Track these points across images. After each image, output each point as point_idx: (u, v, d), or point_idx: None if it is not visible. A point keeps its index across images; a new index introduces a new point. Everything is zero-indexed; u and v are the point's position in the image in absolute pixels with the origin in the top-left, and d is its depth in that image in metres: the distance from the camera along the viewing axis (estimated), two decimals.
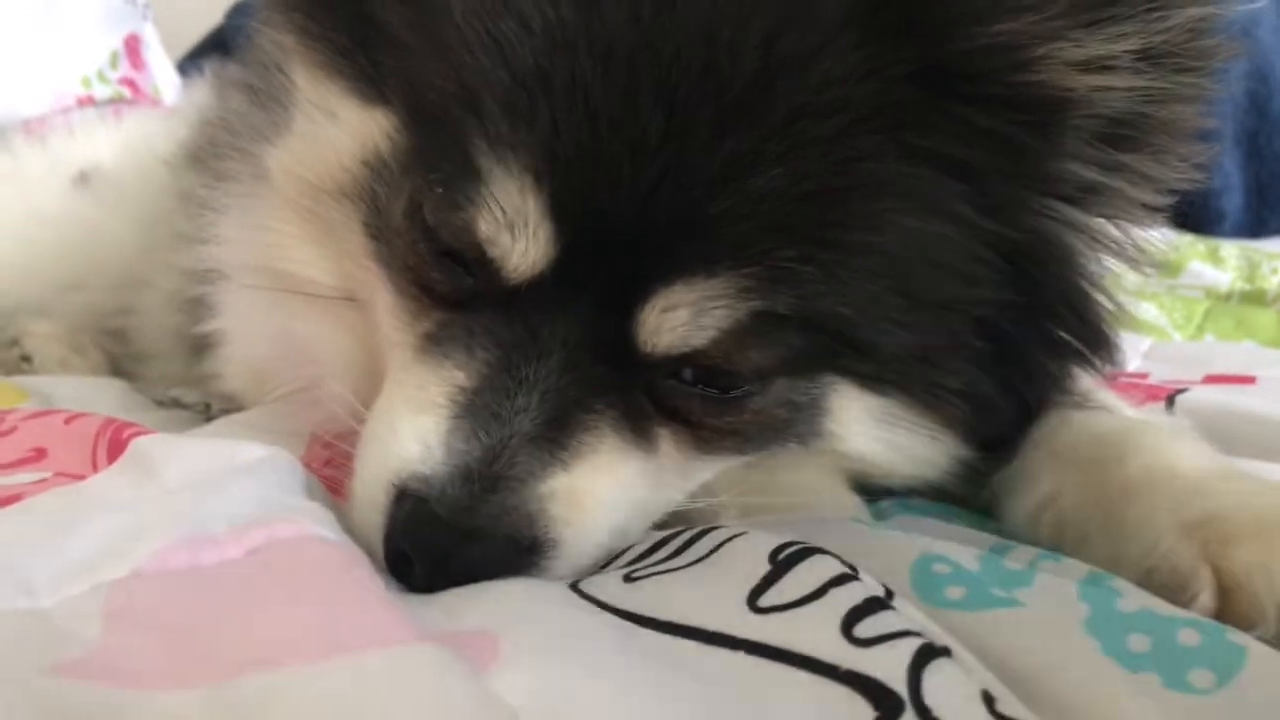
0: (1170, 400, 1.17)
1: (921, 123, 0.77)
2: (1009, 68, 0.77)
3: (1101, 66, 0.77)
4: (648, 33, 0.75)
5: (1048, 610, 0.68)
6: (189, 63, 2.79)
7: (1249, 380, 1.32)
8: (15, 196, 1.62)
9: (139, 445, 0.79)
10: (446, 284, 0.82)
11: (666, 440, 0.83)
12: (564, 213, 0.76)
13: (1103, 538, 0.80)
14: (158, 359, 1.53)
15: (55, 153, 1.69)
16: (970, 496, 0.94)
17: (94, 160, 1.65)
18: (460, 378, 0.79)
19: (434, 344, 0.82)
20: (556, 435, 0.77)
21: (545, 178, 0.75)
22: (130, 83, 2.60)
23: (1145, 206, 0.86)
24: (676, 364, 0.80)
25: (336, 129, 0.88)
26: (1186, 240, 2.03)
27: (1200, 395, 1.19)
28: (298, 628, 0.56)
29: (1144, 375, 1.39)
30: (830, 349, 0.81)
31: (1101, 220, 0.85)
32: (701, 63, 0.75)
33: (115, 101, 2.52)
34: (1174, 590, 0.73)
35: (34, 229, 1.59)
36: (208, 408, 1.31)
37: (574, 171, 0.75)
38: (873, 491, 0.93)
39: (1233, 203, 2.46)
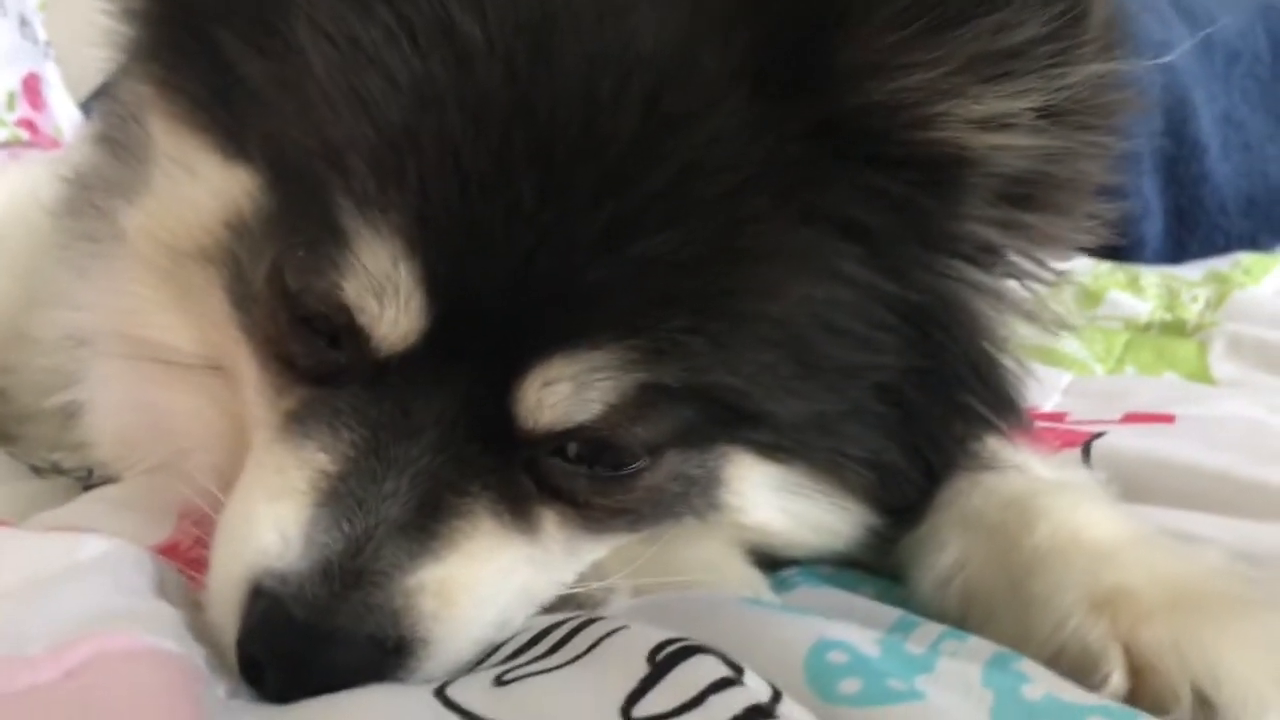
0: (1086, 447, 1.14)
1: (815, 182, 0.74)
2: (905, 125, 0.74)
3: (1001, 124, 0.74)
4: (522, 90, 0.71)
5: (949, 702, 0.64)
6: (95, 102, 2.71)
7: (1168, 419, 1.30)
8: None
9: None
10: (310, 358, 0.77)
11: (551, 521, 0.78)
12: (437, 281, 0.71)
13: (1010, 612, 0.76)
14: (37, 419, 1.45)
15: None
16: (878, 562, 0.89)
17: None
18: (324, 461, 0.73)
19: (297, 423, 0.76)
20: (427, 522, 0.72)
21: (417, 243, 0.70)
22: (29, 124, 2.52)
23: (1050, 266, 0.83)
24: (559, 440, 0.75)
25: (196, 187, 0.82)
26: (1106, 269, 2.02)
27: (1117, 440, 1.16)
28: None
29: (1062, 415, 1.37)
30: (724, 419, 0.77)
31: (1005, 280, 0.82)
32: (580, 121, 0.71)
33: (11, 145, 2.44)
34: (1084, 671, 0.70)
35: None
36: (89, 473, 1.24)
37: (446, 237, 0.71)
38: (775, 560, 0.89)
39: (1153, 228, 2.46)
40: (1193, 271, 2.19)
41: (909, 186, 0.75)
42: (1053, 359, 1.62)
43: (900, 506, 0.86)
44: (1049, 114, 0.74)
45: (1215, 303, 1.90)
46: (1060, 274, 0.84)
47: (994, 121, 0.74)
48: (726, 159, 0.72)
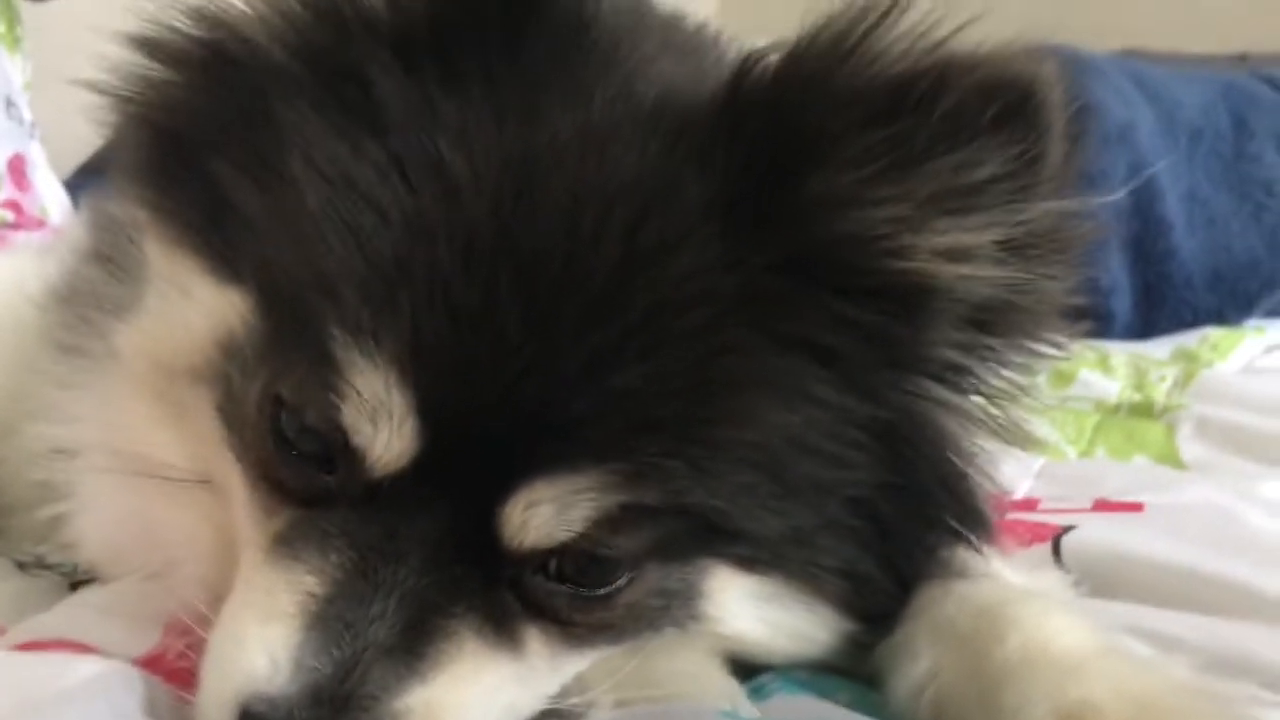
0: (1057, 543, 1.16)
1: (787, 312, 0.77)
2: (872, 256, 0.77)
3: (964, 255, 0.77)
4: (508, 224, 0.74)
5: None
6: (79, 180, 2.73)
7: (1137, 508, 1.32)
8: None
9: None
10: (299, 480, 0.79)
11: (535, 638, 0.79)
12: (428, 407, 0.73)
13: None
14: (23, 511, 1.45)
15: None
16: (854, 667, 0.91)
17: None
18: (312, 583, 0.75)
19: (286, 545, 0.78)
20: (414, 645, 0.74)
21: (409, 371, 0.73)
22: (14, 205, 2.53)
23: (1015, 383, 0.85)
24: (543, 558, 0.77)
25: (189, 308, 0.85)
26: (1076, 347, 2.05)
27: (1087, 534, 1.19)
28: None
29: (1035, 502, 1.39)
30: (703, 535, 0.79)
31: (972, 397, 0.85)
32: (562, 255, 0.74)
33: None
34: None
35: None
36: (75, 569, 1.25)
37: (436, 366, 0.73)
38: (752, 666, 0.90)
39: (1121, 304, 2.50)
40: (1161, 349, 2.23)
41: (879, 314, 0.78)
42: (1025, 443, 1.65)
43: (875, 613, 0.88)
44: (1010, 247, 0.77)
45: (1183, 382, 1.94)
46: (1024, 388, 0.87)
47: (957, 253, 0.77)
48: (702, 291, 0.75)
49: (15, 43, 2.83)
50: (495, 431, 0.73)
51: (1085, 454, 1.72)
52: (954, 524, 0.87)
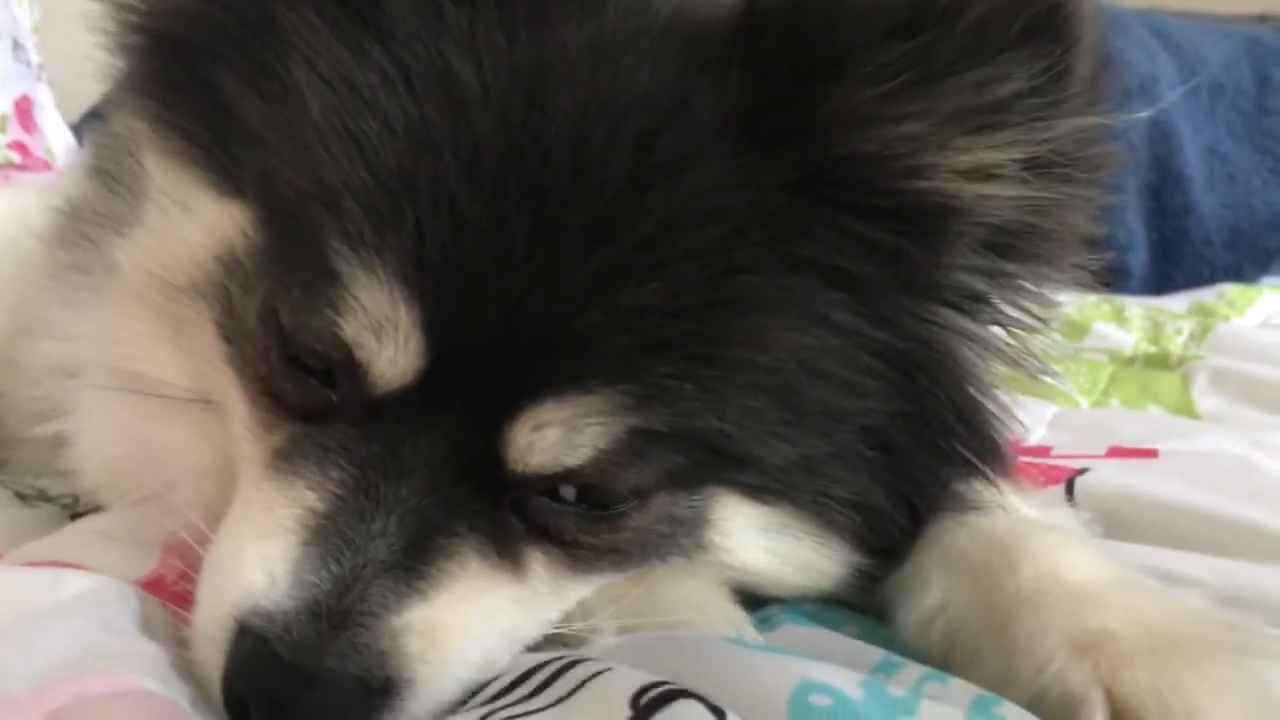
0: (1070, 485, 1.14)
1: (802, 232, 0.74)
2: (892, 175, 0.75)
3: (986, 175, 0.75)
4: (516, 136, 0.72)
5: None
6: (86, 123, 2.71)
7: (1152, 454, 1.31)
8: None
9: None
10: (301, 395, 0.77)
11: (538, 561, 0.78)
12: (434, 322, 0.71)
13: (993, 654, 0.77)
14: (25, 443, 1.45)
15: None
16: (862, 600, 0.90)
17: None
18: (312, 499, 0.74)
19: (285, 461, 0.76)
20: (415, 563, 0.72)
21: (414, 285, 0.71)
22: (21, 146, 2.52)
23: (1034, 312, 0.83)
24: (549, 483, 0.76)
25: (189, 222, 0.83)
26: (1091, 300, 2.03)
27: (1101, 476, 1.17)
28: None
29: (1047, 449, 1.37)
30: (711, 463, 0.78)
31: (990, 327, 0.83)
32: (571, 168, 0.72)
33: (3, 168, 2.44)
34: (1066, 715, 0.70)
35: None
36: (75, 500, 1.24)
37: (442, 281, 0.71)
38: (759, 598, 0.89)
39: (1137, 259, 2.47)
40: (1177, 303, 2.20)
41: (896, 236, 0.76)
42: (1038, 392, 1.63)
43: (886, 546, 0.87)
44: (1034, 166, 0.75)
45: (1199, 336, 1.92)
46: (1044, 319, 0.85)
47: (980, 172, 0.75)
48: (715, 208, 0.73)
49: None
50: (501, 348, 0.71)
51: (1099, 404, 1.70)
52: (968, 455, 0.85)
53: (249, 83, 0.78)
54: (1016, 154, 0.75)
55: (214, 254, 0.81)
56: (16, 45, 2.61)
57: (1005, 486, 0.90)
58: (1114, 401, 1.71)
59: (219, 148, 0.80)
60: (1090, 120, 0.76)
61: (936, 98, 0.73)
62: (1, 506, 1.23)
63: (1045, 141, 0.75)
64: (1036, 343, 0.87)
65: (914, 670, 0.76)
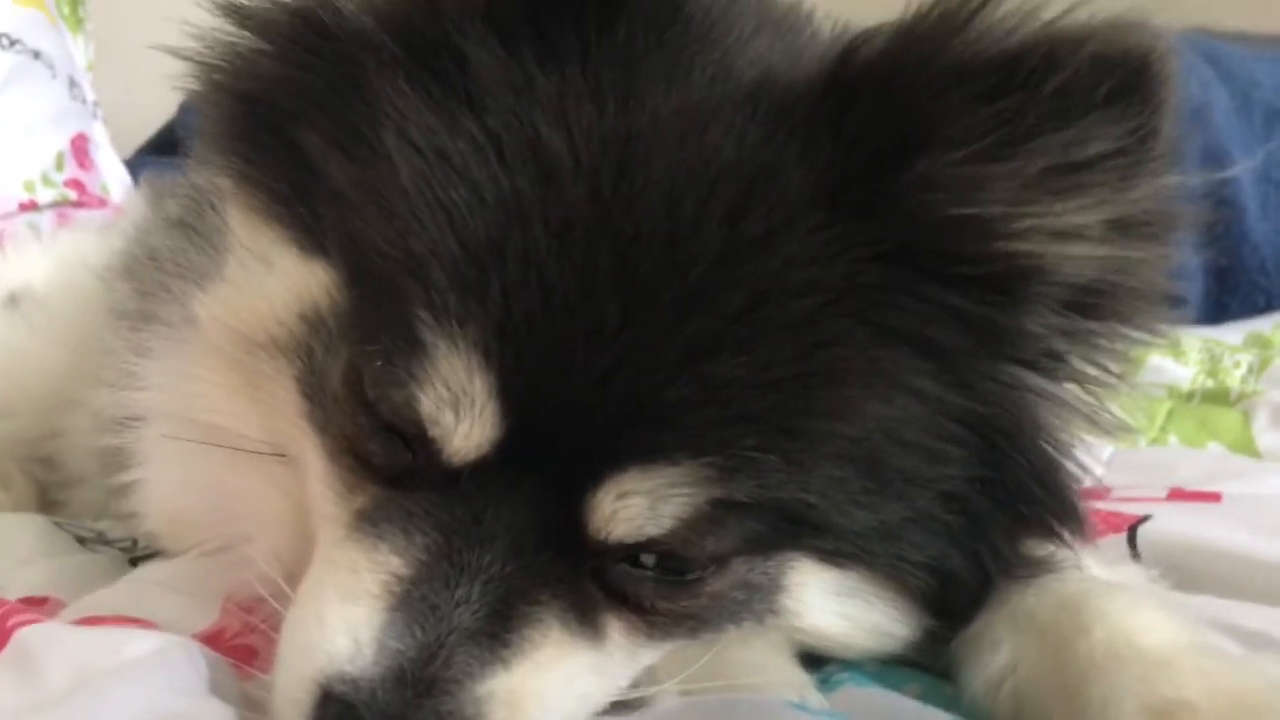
0: (1132, 535, 1.12)
1: (890, 303, 0.74)
2: (978, 240, 0.75)
3: (1072, 236, 0.74)
4: (606, 207, 0.72)
5: None
6: (139, 160, 2.75)
7: (1214, 498, 1.28)
8: None
9: (21, 639, 0.74)
10: (385, 458, 0.77)
11: (615, 629, 0.78)
12: (512, 392, 0.71)
13: (1064, 718, 0.75)
14: (84, 484, 1.47)
15: None
16: (927, 660, 0.88)
17: (24, 281, 1.60)
18: (397, 564, 0.74)
19: (369, 524, 0.76)
20: (498, 630, 0.72)
21: (494, 355, 0.71)
22: (77, 184, 2.56)
23: (1112, 370, 0.83)
24: (630, 550, 0.75)
25: (271, 278, 0.83)
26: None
27: (1163, 525, 1.15)
28: None
29: (1105, 491, 1.35)
30: (791, 530, 0.77)
31: (1068, 386, 0.82)
32: (662, 240, 0.71)
33: (60, 205, 2.48)
34: None
35: None
36: (134, 544, 1.25)
37: (525, 350, 0.71)
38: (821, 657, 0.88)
39: (1193, 289, 2.44)
40: (1234, 334, 2.17)
41: (980, 302, 0.76)
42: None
43: (958, 609, 0.85)
44: (1118, 226, 0.75)
45: (1258, 369, 1.89)
46: (1121, 376, 0.84)
47: (1066, 233, 0.74)
48: (804, 281, 0.73)
49: (79, 24, 2.86)
50: (586, 418, 0.71)
51: (1156, 441, 1.67)
52: (1046, 518, 0.84)
53: (336, 145, 0.79)
54: (1102, 215, 0.74)
55: (296, 311, 0.81)
56: (73, 83, 2.66)
57: (1082, 548, 0.89)
58: (1172, 439, 1.68)
59: (304, 207, 0.81)
60: (1173, 180, 0.75)
61: (1023, 160, 0.72)
62: (62, 551, 1.24)
63: (1131, 202, 0.74)
64: (1113, 398, 0.86)
65: None
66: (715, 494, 0.72)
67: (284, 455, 0.86)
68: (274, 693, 0.74)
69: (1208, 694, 0.71)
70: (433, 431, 0.73)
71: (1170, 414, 1.73)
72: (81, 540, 1.30)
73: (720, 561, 0.77)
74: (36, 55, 2.59)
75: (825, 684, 0.85)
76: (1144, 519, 1.15)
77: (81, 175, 2.57)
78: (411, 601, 0.72)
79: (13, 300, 1.58)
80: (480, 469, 0.73)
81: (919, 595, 0.84)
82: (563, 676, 0.74)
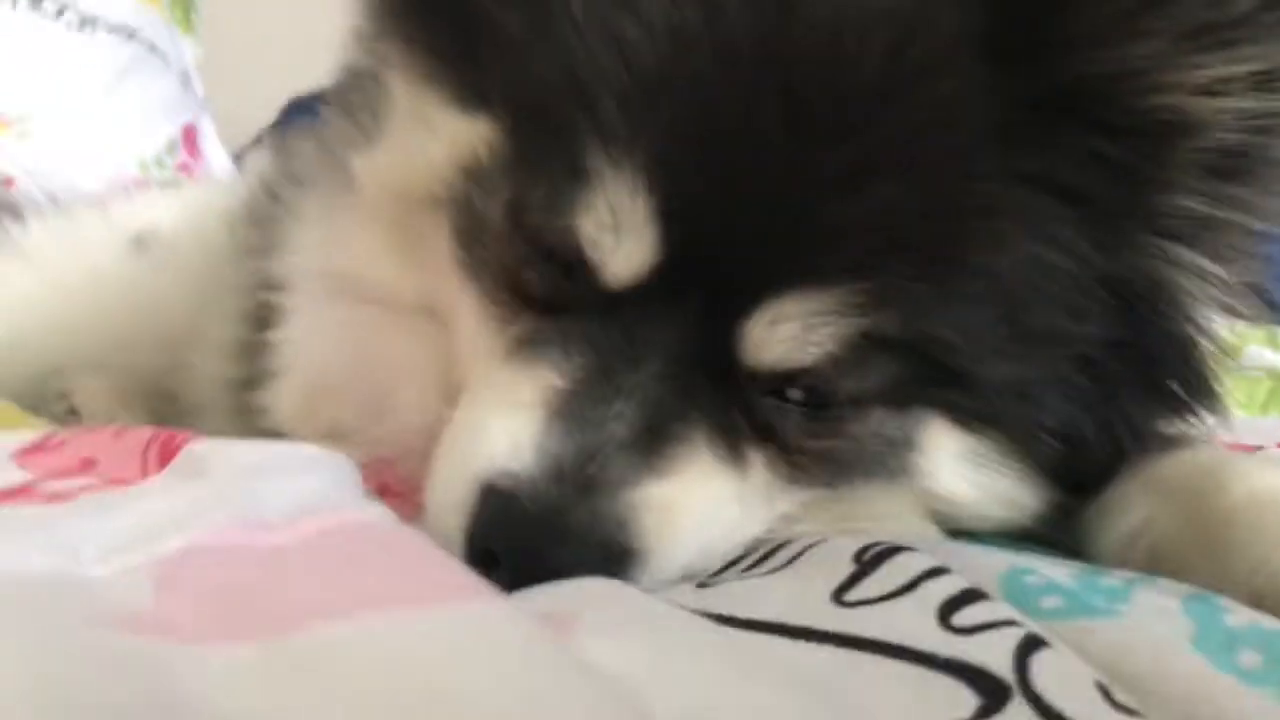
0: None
1: (1040, 146, 0.76)
2: (1129, 93, 0.76)
3: (1221, 90, 0.75)
4: (771, 36, 0.74)
5: (1150, 624, 0.64)
6: (245, 157, 2.84)
7: None
8: (72, 258, 1.62)
9: (191, 450, 0.76)
10: (543, 286, 0.80)
11: (759, 462, 0.79)
12: (673, 215, 0.74)
13: (1203, 563, 0.75)
14: (206, 412, 1.51)
15: (113, 217, 1.70)
16: (1053, 537, 0.89)
17: (151, 224, 1.66)
18: (554, 379, 0.76)
19: (527, 347, 0.79)
20: (651, 444, 0.74)
21: (658, 178, 0.73)
22: (186, 169, 2.65)
23: (1250, 243, 0.83)
24: (777, 382, 0.77)
25: (432, 139, 0.86)
26: (1243, 327, 1.98)
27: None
28: (362, 584, 0.52)
29: None
30: (930, 378, 0.78)
31: (1209, 259, 0.82)
32: (824, 69, 0.74)
33: (170, 187, 2.57)
34: None
35: (90, 290, 1.58)
36: None
37: (689, 174, 0.74)
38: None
39: None
40: None
41: (1129, 154, 0.77)
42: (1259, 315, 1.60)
43: (1089, 482, 0.86)
44: (1265, 79, 0.75)
45: None
46: (1259, 257, 0.84)
47: (1214, 87, 0.75)
48: (958, 116, 0.74)
49: (189, 25, 2.98)
50: (742, 243, 0.74)
51: (1257, 418, 1.66)
52: (1181, 391, 0.84)
53: None
54: (1250, 67, 0.75)
55: (457, 165, 0.84)
56: (185, 78, 2.77)
57: (1214, 423, 0.89)
58: (1273, 416, 1.66)
59: (468, 62, 0.84)
60: None
61: (1173, 15, 0.74)
62: None
63: (1275, 56, 0.74)
64: (1252, 276, 0.86)
65: (1123, 572, 0.75)
66: (865, 325, 0.74)
67: (433, 313, 0.89)
68: (431, 499, 0.77)
69: None
70: (591, 255, 0.75)
71: (1270, 393, 1.72)
72: None
73: (861, 405, 0.78)
74: (153, 49, 2.71)
75: None
76: (1258, 448, 1.15)
77: (191, 162, 2.67)
78: (569, 411, 0.74)
79: (139, 241, 1.64)
80: (637, 293, 0.75)
81: (1050, 465, 0.85)
82: (710, 496, 0.76)
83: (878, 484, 0.83)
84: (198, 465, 0.75)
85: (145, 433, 0.88)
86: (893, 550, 0.65)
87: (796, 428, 0.78)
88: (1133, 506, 0.83)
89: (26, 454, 0.85)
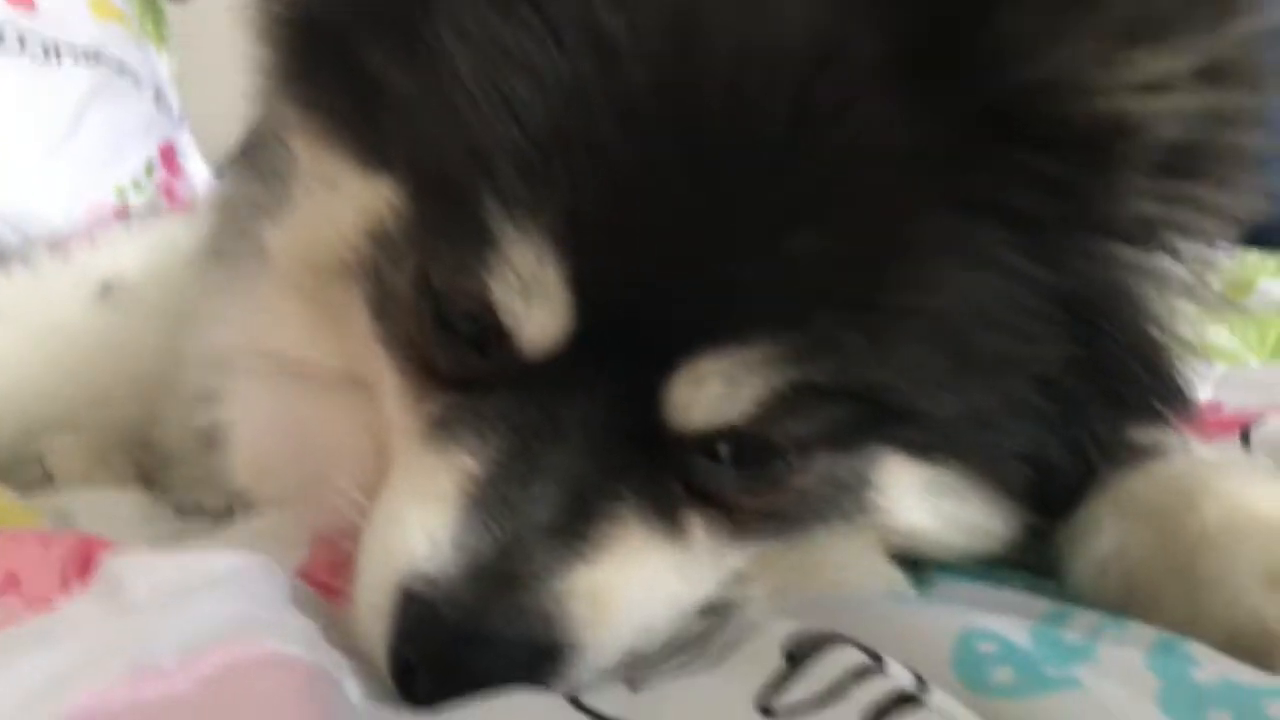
0: (1245, 434, 1.07)
1: (973, 168, 0.70)
2: (1061, 100, 0.70)
3: (1159, 87, 0.70)
4: (669, 87, 0.69)
5: (1112, 690, 0.60)
6: (227, 168, 2.81)
7: None
8: (39, 313, 1.59)
9: (108, 566, 0.74)
10: (453, 361, 0.76)
11: (699, 527, 0.75)
12: (584, 280, 0.70)
13: (1177, 595, 0.71)
14: (181, 461, 1.49)
15: (78, 266, 1.67)
16: (1025, 557, 0.84)
17: (117, 270, 1.63)
18: (470, 465, 0.72)
19: (441, 428, 0.76)
20: (577, 526, 0.70)
21: (565, 242, 0.69)
22: (167, 189, 2.63)
23: (1210, 238, 0.78)
24: (709, 440, 0.73)
25: (337, 201, 0.83)
26: (1254, 257, 1.92)
27: (1277, 426, 1.09)
28: None
29: (1217, 407, 1.29)
30: (875, 418, 0.74)
31: (1165, 258, 0.77)
32: (728, 117, 0.69)
33: (152, 209, 2.55)
34: (1261, 652, 0.65)
35: (59, 346, 1.56)
36: (230, 511, 1.27)
37: (594, 236, 0.69)
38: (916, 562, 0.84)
39: None
40: None
41: (1070, 166, 0.71)
42: (1204, 350, 1.54)
43: (1059, 503, 0.81)
44: (1206, 73, 0.70)
45: None
46: (1222, 249, 0.79)
47: (1152, 85, 0.70)
48: (881, 150, 0.69)
49: (162, 40, 2.95)
50: (658, 302, 0.69)
51: (1269, 362, 1.60)
52: (1149, 399, 0.80)
53: (396, 53, 0.78)
54: (1190, 61, 0.69)
55: (364, 230, 0.81)
56: (159, 94, 2.74)
57: (1188, 431, 0.84)
58: None
59: (367, 124, 0.80)
60: (1259, 23, 0.70)
61: (1103, 12, 0.68)
62: (161, 520, 1.27)
63: (1218, 47, 0.69)
64: (1212, 270, 0.81)
65: (1087, 617, 0.71)
66: (794, 376, 0.69)
67: (358, 383, 0.85)
68: (356, 602, 0.73)
69: None
70: (505, 320, 0.71)
71: None
72: (181, 511, 1.33)
73: (803, 454, 0.74)
74: (122, 69, 2.67)
75: (919, 584, 0.81)
76: (1259, 418, 1.10)
77: (172, 181, 2.65)
78: (487, 500, 0.70)
79: (106, 289, 1.61)
80: (553, 365, 0.71)
81: (1017, 488, 0.80)
82: (646, 574, 0.72)
83: (835, 527, 0.79)
84: (111, 585, 0.72)
85: (69, 540, 0.86)
86: (822, 642, 0.61)
87: (735, 487, 0.74)
88: (1104, 530, 0.78)
89: None
